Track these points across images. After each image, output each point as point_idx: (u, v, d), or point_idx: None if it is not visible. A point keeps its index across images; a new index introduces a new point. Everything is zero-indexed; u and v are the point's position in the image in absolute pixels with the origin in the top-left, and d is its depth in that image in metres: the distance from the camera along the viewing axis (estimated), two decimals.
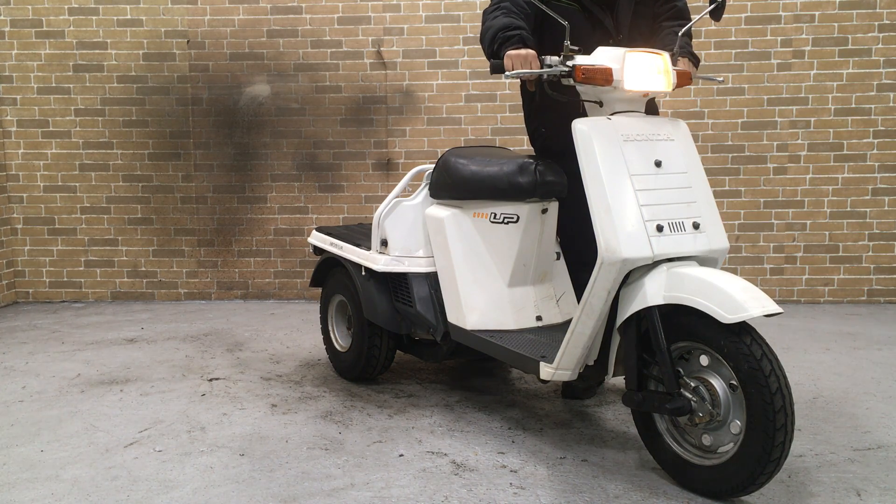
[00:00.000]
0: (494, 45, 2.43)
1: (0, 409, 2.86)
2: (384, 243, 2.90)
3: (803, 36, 4.53)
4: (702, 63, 4.52)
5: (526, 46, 2.37)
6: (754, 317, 1.87)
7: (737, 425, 1.97)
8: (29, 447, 2.48)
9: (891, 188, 4.57)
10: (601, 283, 2.10)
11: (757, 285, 4.34)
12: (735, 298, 1.90)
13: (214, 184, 4.83)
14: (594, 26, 2.61)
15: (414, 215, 2.89)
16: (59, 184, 4.86)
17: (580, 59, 2.22)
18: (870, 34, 4.49)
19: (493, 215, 2.67)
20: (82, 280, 4.92)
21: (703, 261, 2.19)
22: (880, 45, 4.49)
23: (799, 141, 4.59)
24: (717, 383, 2.01)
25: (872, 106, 4.53)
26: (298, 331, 4.07)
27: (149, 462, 2.35)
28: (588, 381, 2.84)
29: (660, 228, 2.09)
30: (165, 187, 4.84)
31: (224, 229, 4.86)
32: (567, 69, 2.23)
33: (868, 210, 4.59)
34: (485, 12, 2.56)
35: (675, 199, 2.16)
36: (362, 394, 3.00)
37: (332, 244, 3.19)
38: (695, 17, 2.47)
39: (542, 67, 2.32)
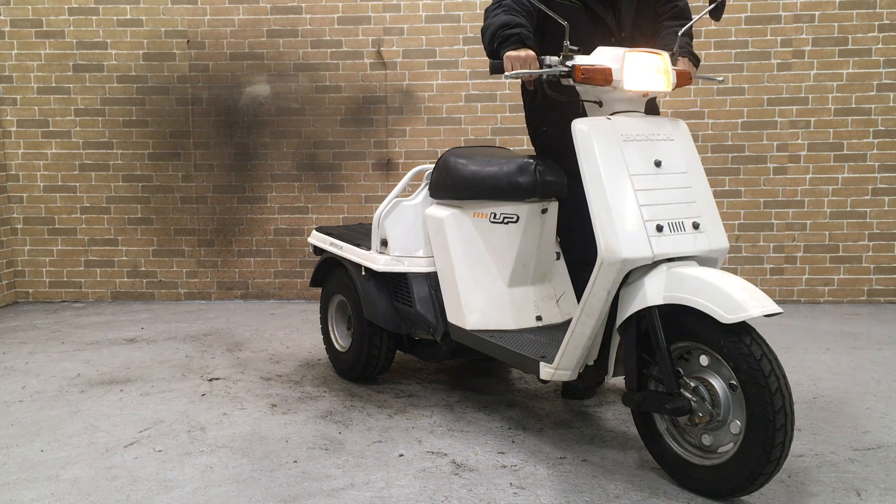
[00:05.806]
0: (494, 44, 2.42)
1: (0, 409, 2.86)
2: (384, 243, 2.90)
3: (803, 36, 4.53)
4: (702, 63, 4.51)
5: (525, 46, 2.37)
6: (754, 317, 1.87)
7: (737, 425, 1.97)
8: (29, 447, 2.48)
9: (891, 188, 4.57)
10: (601, 283, 2.10)
11: (757, 285, 4.34)
12: (735, 298, 1.90)
13: (214, 184, 4.83)
14: (596, 24, 2.61)
15: (414, 215, 2.89)
16: (59, 184, 4.86)
17: (579, 59, 2.22)
18: (870, 34, 4.49)
19: (492, 215, 2.67)
20: (82, 280, 4.92)
21: (703, 261, 2.19)
22: (880, 45, 4.49)
23: (799, 141, 4.59)
24: (717, 383, 2.01)
25: (872, 106, 4.53)
26: (298, 331, 4.07)
27: (149, 462, 2.35)
28: (588, 381, 2.84)
29: (659, 228, 2.09)
30: (165, 187, 4.84)
31: (224, 229, 4.86)
32: (566, 69, 2.23)
33: (868, 210, 4.59)
34: (487, 10, 2.56)
35: (675, 199, 2.16)
36: (362, 394, 3.00)
37: (332, 244, 3.19)
38: (695, 17, 2.47)
39: (541, 67, 2.31)
